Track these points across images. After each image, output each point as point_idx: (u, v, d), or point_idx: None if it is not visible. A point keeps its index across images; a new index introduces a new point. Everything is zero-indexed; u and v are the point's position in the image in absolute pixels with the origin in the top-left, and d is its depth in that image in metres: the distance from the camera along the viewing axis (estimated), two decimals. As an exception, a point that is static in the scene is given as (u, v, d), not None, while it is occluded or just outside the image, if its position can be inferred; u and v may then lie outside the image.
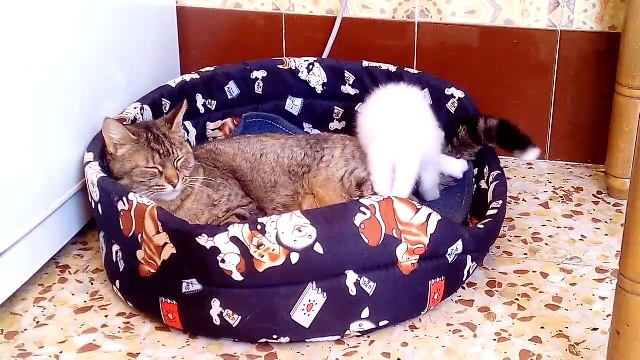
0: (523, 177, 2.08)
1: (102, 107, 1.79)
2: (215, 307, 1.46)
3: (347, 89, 2.07)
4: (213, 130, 2.06)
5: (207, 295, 1.46)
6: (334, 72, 2.06)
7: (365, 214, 1.44)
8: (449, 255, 1.54)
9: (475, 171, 1.87)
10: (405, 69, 2.01)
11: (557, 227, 1.87)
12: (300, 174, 1.79)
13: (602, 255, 1.77)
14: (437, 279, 1.54)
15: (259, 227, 1.41)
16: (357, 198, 1.54)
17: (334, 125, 2.10)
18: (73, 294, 1.66)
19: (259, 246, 1.41)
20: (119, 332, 1.55)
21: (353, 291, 1.47)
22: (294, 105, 2.10)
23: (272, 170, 1.78)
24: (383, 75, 2.02)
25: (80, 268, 1.74)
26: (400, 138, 1.70)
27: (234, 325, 1.47)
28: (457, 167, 1.87)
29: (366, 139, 1.75)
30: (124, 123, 1.69)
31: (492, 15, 2.07)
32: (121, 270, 1.58)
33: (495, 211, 1.64)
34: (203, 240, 1.41)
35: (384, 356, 1.48)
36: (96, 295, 1.65)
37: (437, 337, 1.53)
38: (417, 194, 1.80)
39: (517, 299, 1.63)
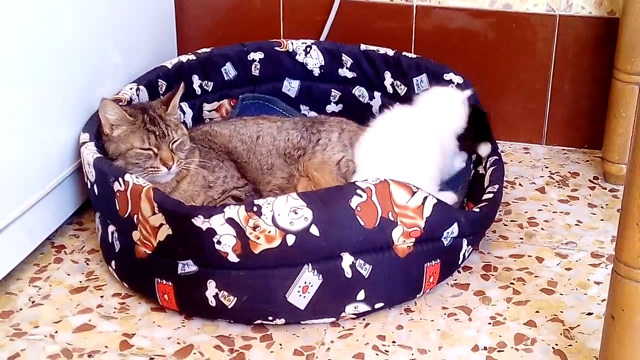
0: (519, 162, 2.08)
1: (98, 87, 1.79)
2: (211, 288, 1.46)
3: (344, 72, 2.06)
4: (209, 111, 2.05)
5: (203, 276, 1.46)
6: (332, 54, 2.05)
7: (361, 196, 1.44)
8: (445, 238, 1.54)
9: (474, 157, 1.87)
10: (403, 53, 2.00)
11: (553, 212, 1.87)
12: (295, 156, 1.78)
13: (598, 240, 1.77)
14: (433, 262, 1.54)
15: (255, 209, 1.41)
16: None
17: (331, 108, 2.10)
18: (68, 274, 1.66)
19: (254, 228, 1.41)
20: (114, 312, 1.55)
21: (348, 273, 1.47)
22: (290, 87, 2.10)
23: (268, 152, 1.78)
24: (381, 59, 2.01)
25: (75, 248, 1.74)
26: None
27: (229, 307, 1.47)
28: (458, 162, 1.85)
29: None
30: (120, 104, 1.69)
31: (490, -2, 2.07)
32: (117, 250, 1.58)
33: (491, 195, 1.64)
34: (199, 222, 1.41)
35: (378, 338, 1.48)
36: (91, 276, 1.65)
37: (432, 320, 1.53)
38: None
39: (512, 283, 1.63)
